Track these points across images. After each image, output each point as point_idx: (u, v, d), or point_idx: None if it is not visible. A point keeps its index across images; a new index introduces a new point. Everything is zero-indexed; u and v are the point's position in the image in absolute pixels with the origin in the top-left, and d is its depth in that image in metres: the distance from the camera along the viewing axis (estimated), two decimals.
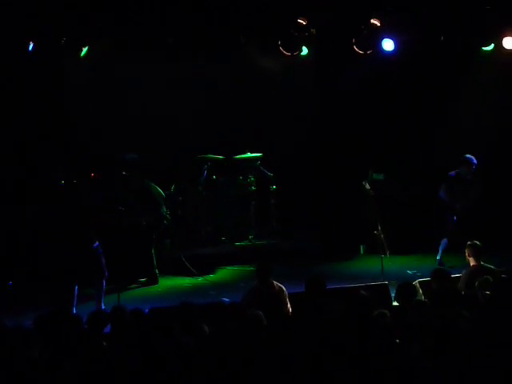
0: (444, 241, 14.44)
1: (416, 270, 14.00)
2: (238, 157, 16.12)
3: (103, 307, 12.12)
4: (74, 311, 12.02)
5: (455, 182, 14.38)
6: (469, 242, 11.31)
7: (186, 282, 14.48)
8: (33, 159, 15.10)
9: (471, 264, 11.11)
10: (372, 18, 14.76)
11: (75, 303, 12.30)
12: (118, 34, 13.86)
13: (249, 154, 16.23)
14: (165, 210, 14.43)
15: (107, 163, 15.44)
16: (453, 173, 14.44)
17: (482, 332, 7.57)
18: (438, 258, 14.45)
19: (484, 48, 15.38)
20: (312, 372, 6.97)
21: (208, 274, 14.85)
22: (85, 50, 13.98)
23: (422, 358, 7.00)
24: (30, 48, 13.61)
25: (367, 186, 14.29)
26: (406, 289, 9.46)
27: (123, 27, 13.73)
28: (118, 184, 14.79)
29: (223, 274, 15.01)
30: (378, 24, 14.82)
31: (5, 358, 7.70)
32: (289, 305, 10.37)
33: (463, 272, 11.16)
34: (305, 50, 15.28)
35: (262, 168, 16.15)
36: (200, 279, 14.58)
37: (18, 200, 14.75)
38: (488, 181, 14.73)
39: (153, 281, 14.26)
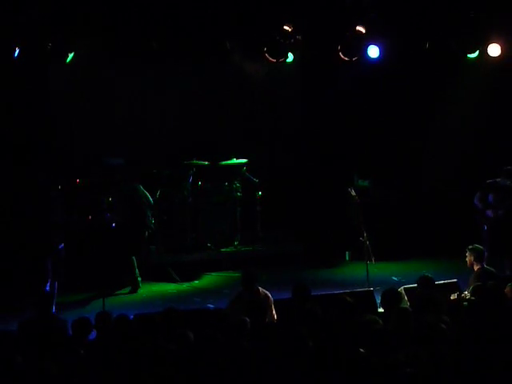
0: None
1: (401, 276, 14.02)
2: (223, 163, 16.12)
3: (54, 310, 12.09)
4: (54, 310, 11.97)
5: (491, 191, 13.82)
6: (470, 247, 11.26)
7: (171, 287, 14.49)
8: (18, 163, 15.07)
9: (475, 268, 11.09)
10: (357, 25, 14.80)
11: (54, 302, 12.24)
12: (104, 38, 13.87)
13: (235, 160, 16.23)
14: (149, 214, 14.43)
15: (92, 168, 15.47)
16: (491, 181, 13.86)
17: (463, 337, 7.61)
18: None
19: (469, 55, 15.44)
20: (297, 377, 6.98)
21: (193, 280, 14.86)
22: (71, 55, 13.97)
23: (407, 364, 7.01)
24: (16, 54, 13.59)
25: (353, 193, 14.30)
26: (391, 295, 9.47)
27: (109, 32, 13.73)
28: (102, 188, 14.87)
29: (208, 280, 15.02)
30: (364, 31, 14.87)
31: None
32: (274, 311, 10.36)
33: (471, 277, 11.15)
34: (290, 57, 15.29)
35: (247, 174, 16.15)
36: (185, 285, 14.59)
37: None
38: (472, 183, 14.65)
39: (134, 289, 14.20)
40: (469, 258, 11.24)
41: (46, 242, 12.46)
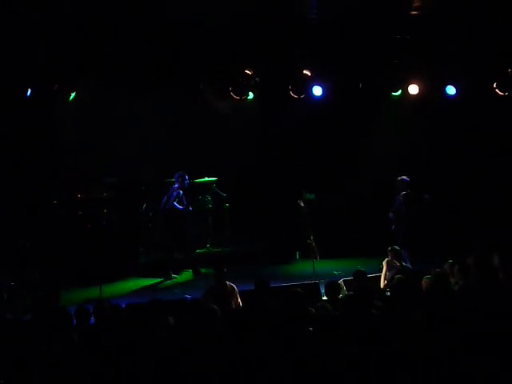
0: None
1: (341, 271, 14.06)
2: (197, 180, 16.10)
3: None
4: None
5: (395, 199, 14.11)
6: (389, 248, 11.31)
7: (155, 282, 14.40)
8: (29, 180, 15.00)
9: (396, 264, 11.15)
10: (304, 69, 14.90)
11: None
12: (99, 82, 13.88)
13: (206, 179, 16.23)
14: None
15: (90, 186, 15.40)
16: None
17: (390, 317, 7.70)
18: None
19: (393, 93, 15.59)
20: (257, 354, 7.00)
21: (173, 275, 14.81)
22: (73, 95, 13.93)
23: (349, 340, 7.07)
24: (28, 93, 13.54)
25: (302, 204, 14.34)
26: (332, 286, 9.50)
27: (104, 77, 13.74)
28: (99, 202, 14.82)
29: (186, 275, 14.95)
30: (309, 74, 14.97)
31: (6, 346, 7.61)
32: (239, 300, 10.36)
33: (391, 271, 11.22)
34: (251, 95, 15.35)
35: (217, 190, 16.15)
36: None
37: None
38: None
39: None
40: (390, 257, 11.32)
41: None
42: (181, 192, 14.35)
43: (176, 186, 14.36)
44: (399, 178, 13.98)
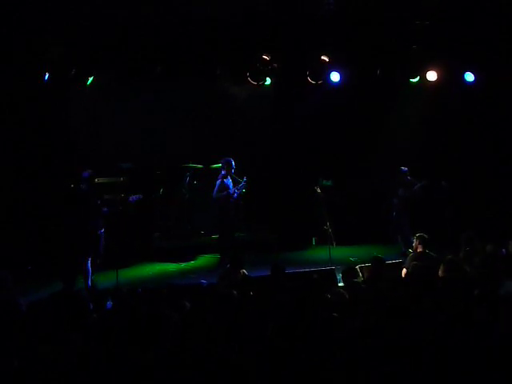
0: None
1: (357, 257, 14.08)
2: (214, 166, 16.10)
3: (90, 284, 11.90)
4: (89, 284, 11.91)
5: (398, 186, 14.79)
6: (418, 234, 11.31)
7: (171, 267, 14.45)
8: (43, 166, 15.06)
9: (418, 250, 11.14)
10: (322, 55, 14.85)
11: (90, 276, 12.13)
12: (117, 66, 13.85)
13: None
14: None
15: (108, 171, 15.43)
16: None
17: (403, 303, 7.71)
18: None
19: (411, 80, 15.52)
20: (273, 337, 7.01)
21: (190, 260, 14.86)
22: (90, 79, 13.95)
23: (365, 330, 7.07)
24: (46, 78, 13.57)
25: (318, 190, 14.33)
26: (349, 272, 9.53)
27: (121, 61, 13.73)
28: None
29: (201, 260, 15.01)
30: (327, 60, 14.92)
31: (19, 330, 7.66)
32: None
33: (410, 255, 11.25)
34: (268, 80, 15.32)
35: (233, 175, 16.14)
36: (183, 265, 14.58)
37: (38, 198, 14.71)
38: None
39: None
40: (415, 242, 11.30)
41: (86, 228, 12.22)
42: (219, 181, 14.27)
43: (223, 172, 14.30)
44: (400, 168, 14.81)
